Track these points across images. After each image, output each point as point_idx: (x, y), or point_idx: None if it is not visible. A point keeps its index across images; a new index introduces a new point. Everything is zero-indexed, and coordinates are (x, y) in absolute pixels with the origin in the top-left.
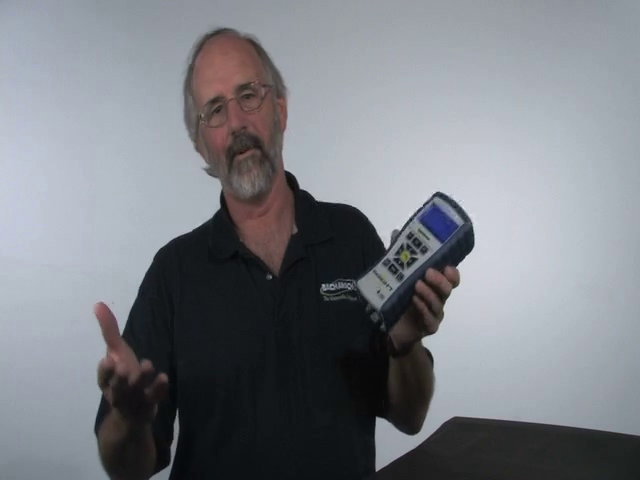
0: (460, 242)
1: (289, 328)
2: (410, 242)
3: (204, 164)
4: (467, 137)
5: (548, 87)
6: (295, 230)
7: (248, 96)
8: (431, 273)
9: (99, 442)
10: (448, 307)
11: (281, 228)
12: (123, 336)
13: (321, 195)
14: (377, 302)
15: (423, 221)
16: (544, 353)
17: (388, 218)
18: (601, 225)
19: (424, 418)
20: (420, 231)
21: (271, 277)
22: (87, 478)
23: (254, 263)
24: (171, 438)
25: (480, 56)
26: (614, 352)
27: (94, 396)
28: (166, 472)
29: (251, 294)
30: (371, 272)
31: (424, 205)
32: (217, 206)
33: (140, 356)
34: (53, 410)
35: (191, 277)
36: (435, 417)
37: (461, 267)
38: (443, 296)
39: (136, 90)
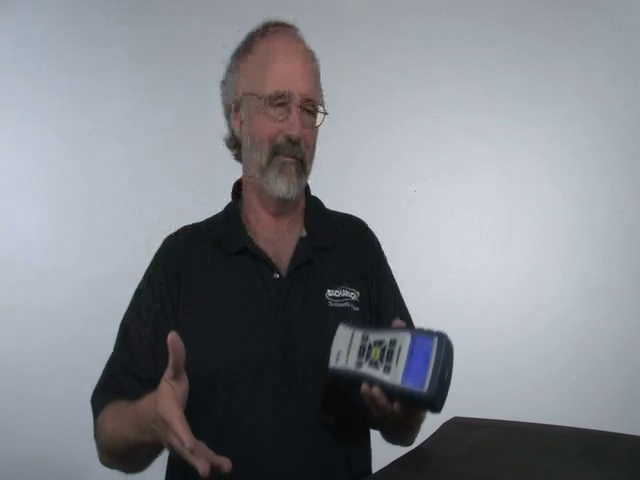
0: (413, 397)
1: (292, 328)
2: (388, 349)
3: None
4: (467, 135)
5: (550, 85)
6: (304, 233)
7: (308, 111)
8: (376, 391)
9: (104, 428)
10: (450, 306)
11: (291, 229)
12: (129, 320)
13: (319, 193)
14: (332, 359)
15: (413, 342)
16: (546, 355)
17: (387, 216)
18: (604, 227)
19: (415, 437)
20: (400, 349)
21: (278, 276)
22: (87, 479)
23: (262, 260)
24: None
25: (481, 53)
26: (616, 354)
27: None
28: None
29: (257, 291)
30: (352, 331)
31: (428, 332)
32: (218, 207)
33: (148, 342)
34: (53, 411)
35: (198, 267)
36: (435, 417)
37: (463, 267)
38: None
39: (137, 90)
